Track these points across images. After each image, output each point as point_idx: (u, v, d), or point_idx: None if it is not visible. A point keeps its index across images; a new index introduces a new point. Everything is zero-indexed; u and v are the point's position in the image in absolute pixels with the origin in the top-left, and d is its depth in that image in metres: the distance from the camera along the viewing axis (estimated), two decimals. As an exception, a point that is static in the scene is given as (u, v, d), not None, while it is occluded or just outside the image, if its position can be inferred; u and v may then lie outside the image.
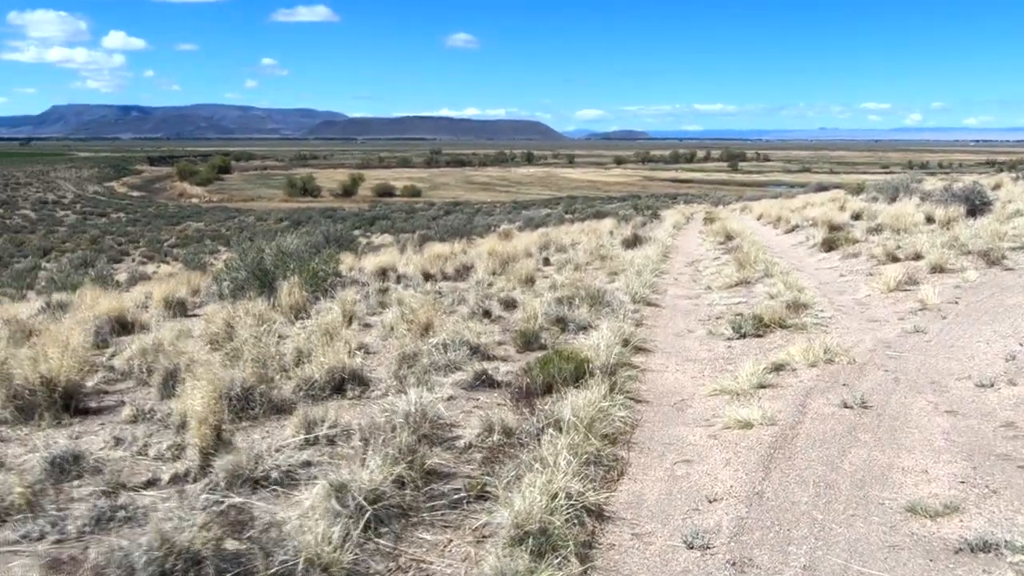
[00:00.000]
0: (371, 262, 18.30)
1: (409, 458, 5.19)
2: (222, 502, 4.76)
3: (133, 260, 53.27)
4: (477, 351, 8.54)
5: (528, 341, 8.93)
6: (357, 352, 8.52)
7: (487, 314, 10.80)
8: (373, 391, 7.37)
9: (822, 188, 66.25)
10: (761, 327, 9.78)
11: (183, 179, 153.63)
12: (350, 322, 11.06)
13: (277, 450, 5.78)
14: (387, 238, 50.91)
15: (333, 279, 13.74)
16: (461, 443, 6.01)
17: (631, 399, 7.17)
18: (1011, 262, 13.84)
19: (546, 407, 6.43)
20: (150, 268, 40.37)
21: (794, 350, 8.33)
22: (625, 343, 8.86)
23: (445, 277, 16.31)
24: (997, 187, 31.31)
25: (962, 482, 5.25)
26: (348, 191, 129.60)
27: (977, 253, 14.53)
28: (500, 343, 9.30)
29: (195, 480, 5.42)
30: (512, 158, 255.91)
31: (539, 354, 8.39)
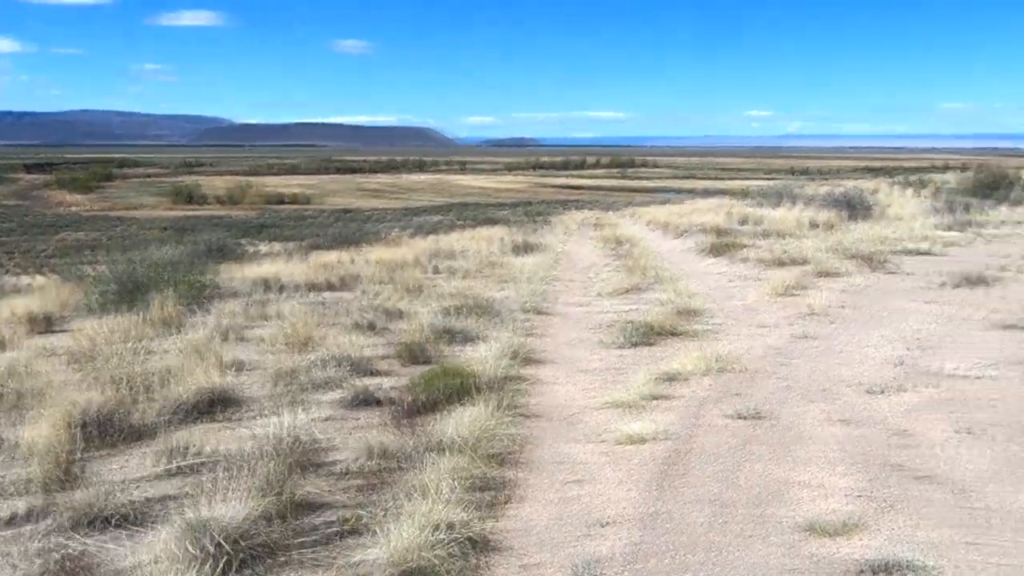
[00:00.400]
0: (253, 272, 17.60)
1: (278, 489, 4.76)
2: (66, 546, 4.26)
3: (6, 272, 50.84)
4: (359, 367, 8.10)
5: (414, 355, 8.54)
6: (230, 370, 8.00)
7: (371, 326, 10.36)
8: (246, 412, 6.88)
9: (709, 194, 67.52)
10: (652, 335, 9.60)
11: (62, 187, 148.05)
12: (226, 336, 10.48)
13: (133, 483, 5.26)
14: (276, 246, 49.76)
15: (210, 291, 13.09)
16: (338, 468, 5.60)
17: (520, 414, 6.86)
18: (893, 265, 14.08)
19: (430, 427, 6.07)
20: (24, 280, 38.51)
21: (686, 359, 8.15)
22: (514, 355, 8.54)
23: (331, 287, 15.75)
24: (875, 191, 32.23)
25: (859, 496, 5.08)
26: (236, 199, 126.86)
27: (861, 257, 14.75)
28: (384, 357, 8.88)
29: (37, 520, 4.87)
30: (403, 165, 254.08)
31: (425, 368, 8.04)
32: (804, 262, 15.10)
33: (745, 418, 6.56)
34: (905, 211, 23.04)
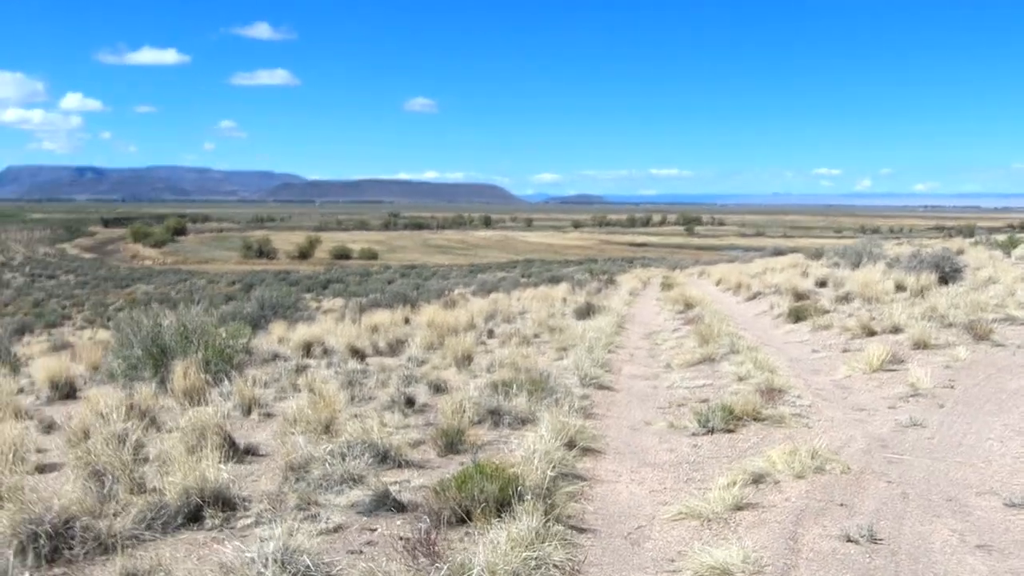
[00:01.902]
0: (300, 334, 16.60)
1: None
2: None
3: (73, 324, 50.92)
4: (387, 456, 6.89)
5: (451, 443, 7.30)
6: (232, 459, 6.86)
7: (410, 403, 9.17)
8: (240, 519, 5.68)
9: (779, 252, 65.61)
10: (732, 419, 8.24)
11: (137, 240, 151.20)
12: (249, 411, 9.40)
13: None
14: (339, 302, 49.14)
15: (242, 357, 12.05)
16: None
17: (573, 527, 5.57)
18: (1000, 336, 12.50)
19: (456, 551, 4.83)
20: (87, 333, 38.22)
21: (775, 455, 6.77)
22: (570, 444, 7.26)
23: (377, 352, 14.67)
24: (960, 252, 30.36)
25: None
26: (304, 253, 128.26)
27: (961, 326, 13.21)
28: (419, 443, 7.65)
29: None
30: (470, 221, 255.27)
31: (463, 459, 6.81)
32: (896, 330, 13.60)
33: (856, 541, 5.18)
34: (999, 274, 21.27)
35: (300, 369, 12.29)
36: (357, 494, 5.96)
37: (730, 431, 8.08)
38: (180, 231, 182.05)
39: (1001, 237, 38.45)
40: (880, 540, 5.21)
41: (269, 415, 9.28)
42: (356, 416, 8.73)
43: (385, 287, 58.87)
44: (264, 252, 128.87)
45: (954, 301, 16.26)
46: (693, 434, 8.11)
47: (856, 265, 28.65)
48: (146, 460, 6.87)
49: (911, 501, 5.95)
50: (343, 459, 6.59)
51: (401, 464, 6.89)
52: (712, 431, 8.08)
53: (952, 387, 9.59)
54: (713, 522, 5.63)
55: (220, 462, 6.33)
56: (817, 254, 40.77)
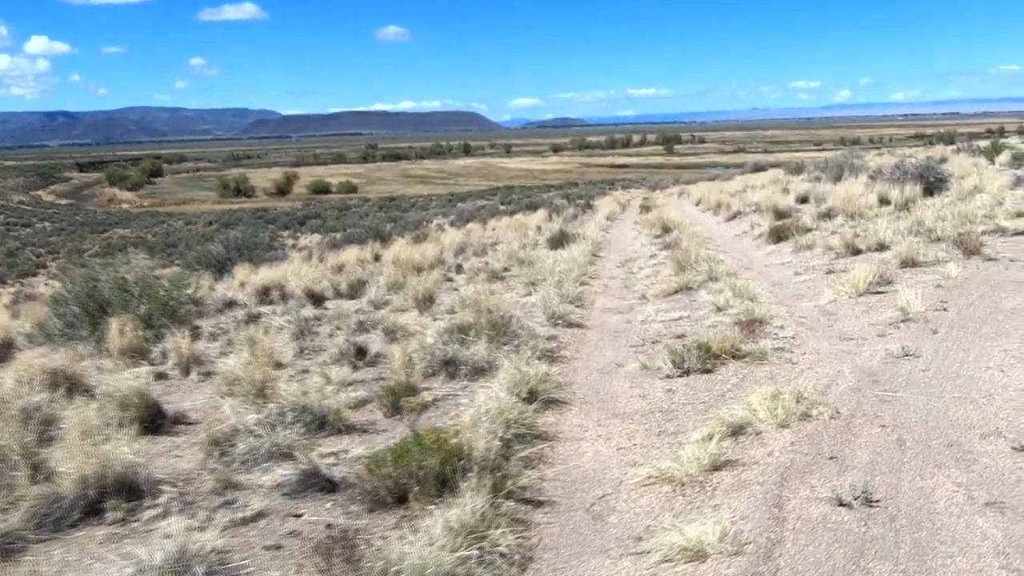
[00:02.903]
0: (261, 278, 15.80)
1: None
2: None
3: (47, 273, 49.77)
4: (324, 423, 6.18)
5: (399, 402, 6.58)
6: (150, 432, 6.14)
7: (361, 353, 8.44)
8: (147, 509, 4.97)
9: (759, 168, 64.72)
10: (709, 358, 7.53)
11: (113, 184, 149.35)
12: (187, 371, 8.66)
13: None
14: (316, 238, 48.21)
15: (189, 308, 11.27)
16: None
17: (527, 502, 4.89)
18: (991, 250, 11.81)
19: (386, 544, 4.14)
20: (58, 283, 37.27)
21: (755, 400, 6.07)
22: (530, 397, 6.57)
23: (338, 294, 13.91)
24: (943, 161, 29.60)
25: None
26: (282, 190, 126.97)
27: (950, 240, 12.52)
28: (364, 403, 6.94)
29: None
30: (449, 150, 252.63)
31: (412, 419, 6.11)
32: (882, 248, 12.92)
33: (849, 505, 4.52)
34: (985, 182, 20.55)
35: (252, 318, 11.55)
36: (285, 471, 5.26)
37: (707, 371, 7.39)
38: (156, 173, 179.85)
39: (984, 143, 37.70)
40: (876, 502, 4.55)
41: (210, 374, 8.55)
42: (301, 372, 8.06)
43: (363, 221, 57.97)
44: (242, 190, 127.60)
45: (941, 213, 15.56)
46: (667, 376, 7.42)
47: (838, 179, 27.89)
48: (51, 441, 6.12)
49: (908, 449, 5.28)
50: (273, 429, 5.87)
51: (341, 430, 6.18)
52: (688, 372, 7.39)
53: (945, 309, 8.91)
54: (687, 487, 4.96)
55: (135, 438, 5.62)
56: (797, 169, 39.95)
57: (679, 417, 6.35)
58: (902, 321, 8.63)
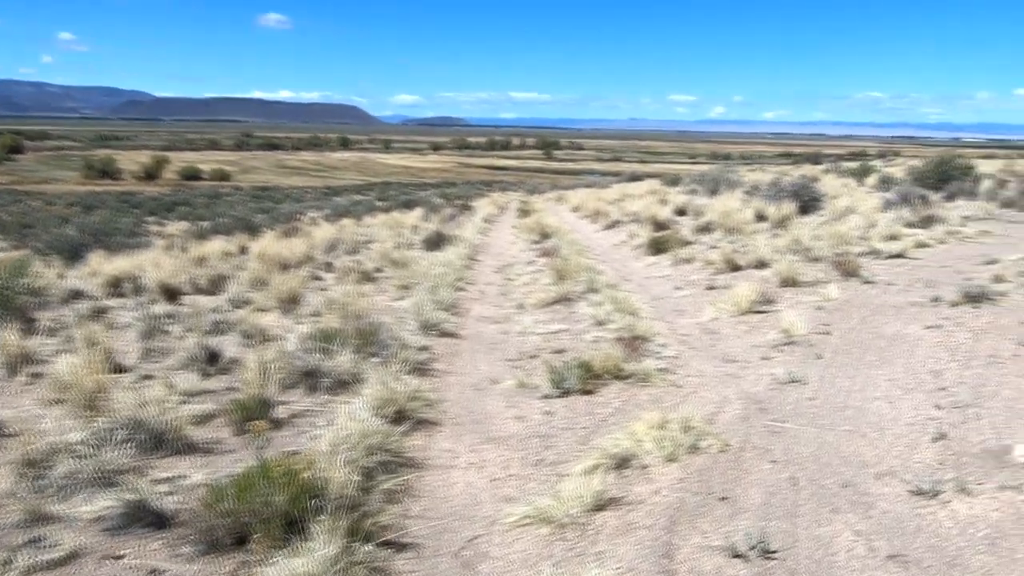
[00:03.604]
0: (116, 267, 14.68)
1: None
2: None
3: None
4: (162, 441, 5.44)
5: (251, 418, 5.88)
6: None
7: (213, 359, 7.67)
8: (-66, 547, 4.18)
9: (635, 178, 65.52)
10: (590, 378, 7.10)
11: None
12: (15, 371, 7.74)
13: None
14: (183, 226, 46.23)
15: (26, 299, 10.22)
16: None
17: (388, 545, 4.29)
18: (868, 272, 11.80)
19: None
20: None
21: (641, 429, 5.64)
22: (398, 417, 5.99)
23: (197, 289, 12.96)
24: (815, 180, 30.24)
25: None
26: (151, 174, 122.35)
27: (828, 261, 12.49)
28: (210, 417, 6.21)
29: None
30: (327, 142, 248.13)
31: (267, 439, 5.44)
32: (761, 265, 12.80)
33: (745, 557, 4.10)
34: (857, 203, 20.92)
35: (98, 313, 10.58)
36: (109, 502, 4.53)
37: (588, 392, 6.94)
38: (16, 149, 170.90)
39: (853, 165, 38.86)
40: (773, 553, 4.14)
41: (41, 376, 7.64)
42: (144, 379, 7.25)
43: (231, 211, 56.04)
44: (108, 172, 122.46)
45: (817, 233, 15.65)
46: (546, 396, 6.94)
47: (714, 192, 28.16)
48: None
49: (803, 489, 4.92)
50: (100, 448, 5.12)
51: (181, 450, 5.45)
52: (567, 392, 6.92)
53: (828, 333, 8.71)
54: (568, 529, 4.46)
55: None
56: (674, 181, 40.40)
57: (558, 444, 5.86)
58: (786, 344, 8.39)
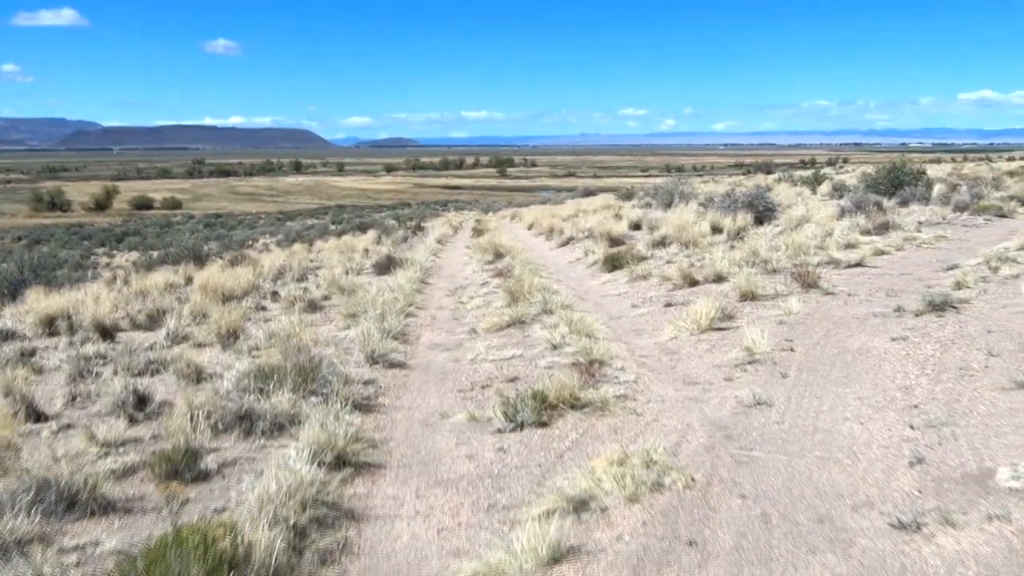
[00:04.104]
0: (54, 303, 14.03)
1: None
2: None
3: None
4: (75, 502, 4.94)
5: (177, 470, 5.39)
6: None
7: (142, 402, 7.15)
8: None
9: (589, 193, 65.53)
10: (545, 409, 6.68)
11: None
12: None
13: None
14: (134, 256, 45.23)
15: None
16: None
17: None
18: (827, 283, 11.53)
19: None
20: None
21: (600, 466, 5.23)
22: (338, 462, 5.53)
23: (135, 325, 12.39)
24: (768, 190, 30.21)
25: None
26: (101, 204, 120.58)
27: (786, 272, 12.22)
28: (133, 470, 5.70)
29: None
30: (280, 167, 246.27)
31: (197, 492, 4.95)
32: (720, 279, 12.51)
33: (718, 612, 3.70)
34: (812, 212, 20.77)
35: (25, 354, 10.00)
36: (3, 580, 4.03)
37: (543, 424, 6.52)
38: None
39: (804, 173, 38.95)
40: (749, 607, 3.74)
41: (-47, 429, 7.08)
42: (66, 428, 6.72)
43: (182, 239, 55.01)
44: (57, 204, 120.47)
45: (774, 243, 15.43)
46: (499, 430, 6.51)
47: (668, 205, 27.99)
48: None
49: (775, 528, 4.53)
50: (10, 507, 4.61)
51: (96, 511, 4.94)
52: (521, 426, 6.50)
53: (792, 349, 8.37)
54: (521, 588, 4.04)
55: None
56: (628, 195, 40.27)
57: (512, 485, 5.43)
58: (749, 363, 8.04)
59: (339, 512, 4.93)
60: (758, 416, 6.48)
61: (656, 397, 7.16)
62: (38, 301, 15.53)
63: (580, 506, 4.82)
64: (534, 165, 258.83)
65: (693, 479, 5.19)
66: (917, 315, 9.33)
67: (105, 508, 5.00)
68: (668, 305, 11.44)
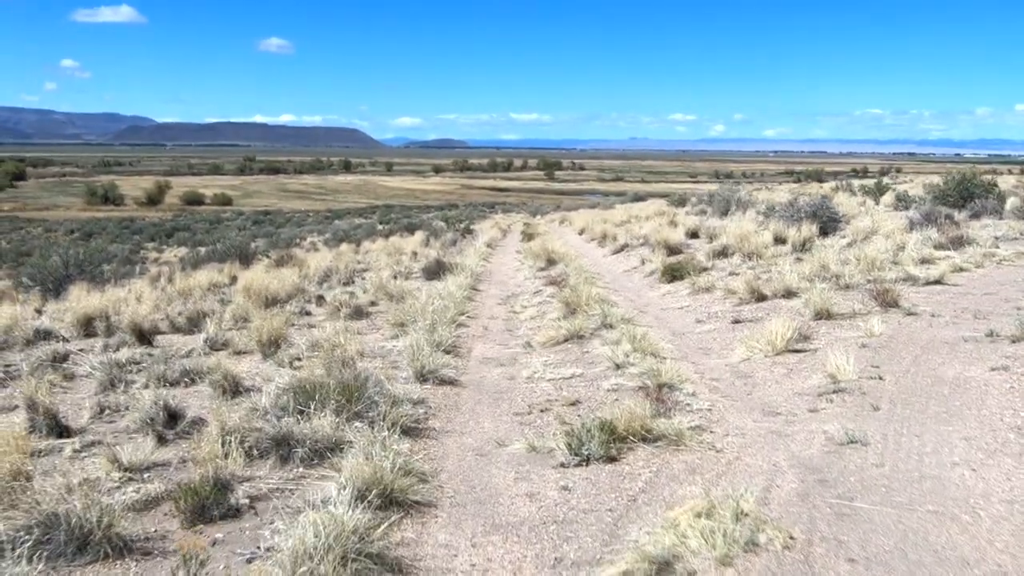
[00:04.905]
0: (93, 303, 13.64)
1: None
2: None
3: None
4: (87, 543, 4.37)
5: (203, 506, 4.81)
6: None
7: (173, 419, 6.60)
8: None
9: (639, 198, 64.70)
10: (614, 441, 6.02)
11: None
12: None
13: None
14: (183, 251, 45.20)
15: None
16: None
17: None
18: (908, 302, 10.71)
19: None
20: None
21: (683, 518, 4.55)
22: (385, 500, 4.91)
23: (175, 327, 11.92)
24: (831, 199, 29.21)
25: None
26: (153, 199, 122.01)
27: (862, 289, 11.44)
28: (156, 502, 5.13)
29: None
30: (329, 166, 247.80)
31: (227, 531, 4.36)
32: (789, 294, 11.74)
33: None
34: (878, 224, 19.85)
35: (57, 358, 9.53)
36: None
37: (612, 459, 5.85)
38: (19, 176, 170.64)
39: (865, 183, 37.84)
40: None
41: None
42: (89, 446, 6.18)
43: (231, 236, 55.00)
44: (110, 198, 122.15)
45: (842, 256, 14.59)
46: (562, 465, 5.85)
47: (725, 213, 27.15)
48: None
49: (898, 606, 3.84)
50: (20, 544, 4.05)
51: (109, 554, 4.36)
52: (587, 460, 5.83)
53: (880, 377, 7.62)
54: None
55: None
56: (681, 201, 39.42)
57: (580, 533, 4.77)
58: (834, 391, 7.30)
59: (384, 565, 4.30)
60: (853, 456, 5.76)
61: (735, 429, 6.46)
62: (79, 299, 15.18)
63: (664, 568, 4.15)
64: (582, 169, 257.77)
65: (791, 537, 4.49)
66: (1014, 341, 8.52)
67: (120, 550, 4.41)
68: (736, 321, 10.72)
